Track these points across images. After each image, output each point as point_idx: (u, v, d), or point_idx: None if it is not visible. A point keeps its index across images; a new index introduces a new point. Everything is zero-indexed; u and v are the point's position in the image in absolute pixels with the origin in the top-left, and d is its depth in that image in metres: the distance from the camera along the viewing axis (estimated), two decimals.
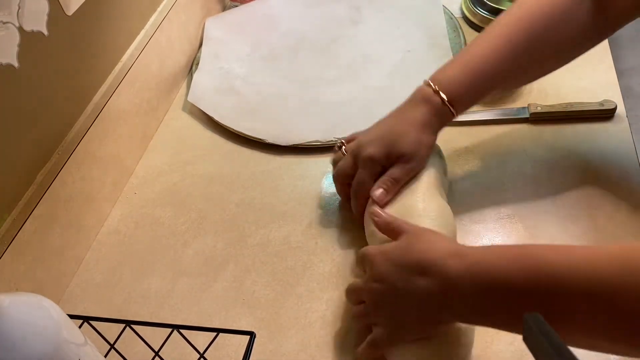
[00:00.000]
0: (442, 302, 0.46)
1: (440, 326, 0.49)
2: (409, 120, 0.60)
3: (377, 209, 0.57)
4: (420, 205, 0.57)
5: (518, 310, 0.40)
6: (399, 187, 0.60)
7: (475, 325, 0.49)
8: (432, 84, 0.59)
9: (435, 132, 0.61)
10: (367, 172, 0.60)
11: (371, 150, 0.60)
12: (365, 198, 0.61)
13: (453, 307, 0.46)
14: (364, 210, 0.62)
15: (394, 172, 0.59)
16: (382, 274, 0.50)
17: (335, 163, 0.66)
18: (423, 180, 0.60)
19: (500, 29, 0.59)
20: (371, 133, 0.62)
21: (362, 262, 0.54)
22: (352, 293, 0.55)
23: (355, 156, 0.62)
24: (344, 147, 0.66)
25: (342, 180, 0.64)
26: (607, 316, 0.38)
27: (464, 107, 0.61)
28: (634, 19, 0.59)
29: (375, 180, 0.60)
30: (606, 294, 0.38)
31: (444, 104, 0.59)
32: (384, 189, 0.59)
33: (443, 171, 0.64)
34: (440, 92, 0.58)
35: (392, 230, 0.54)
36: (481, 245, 0.61)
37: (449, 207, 0.58)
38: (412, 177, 0.60)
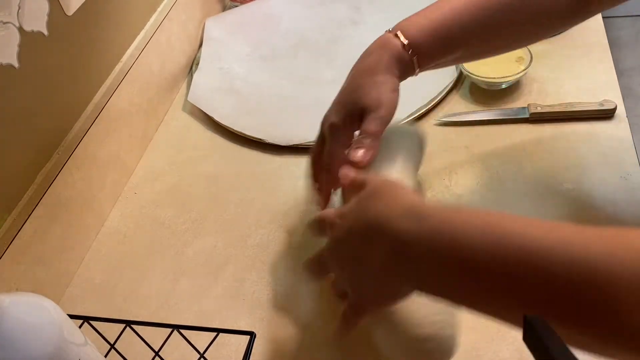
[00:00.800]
0: (395, 268, 0.40)
1: (400, 296, 0.42)
2: (362, 70, 0.56)
3: (346, 169, 0.52)
4: (395, 176, 0.54)
5: (482, 288, 0.35)
6: (378, 141, 0.53)
7: (446, 301, 0.41)
8: (398, 34, 0.55)
9: (395, 74, 0.55)
10: (333, 142, 0.55)
11: (332, 118, 0.56)
12: (337, 171, 0.53)
13: (407, 273, 0.39)
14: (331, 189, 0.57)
15: (367, 126, 0.53)
16: (340, 240, 0.45)
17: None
18: (398, 159, 0.57)
19: None
20: (334, 101, 0.58)
21: (320, 228, 0.49)
22: (316, 264, 0.50)
23: (322, 133, 0.57)
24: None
25: (315, 161, 0.59)
26: (589, 305, 0.31)
27: (426, 56, 0.55)
28: (610, 6, 0.56)
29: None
30: (590, 279, 0.31)
31: (403, 48, 0.54)
32: (363, 148, 0.53)
33: (416, 159, 0.61)
34: (399, 35, 0.54)
35: (357, 187, 0.47)
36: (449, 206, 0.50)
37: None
38: (384, 127, 0.54)
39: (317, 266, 0.50)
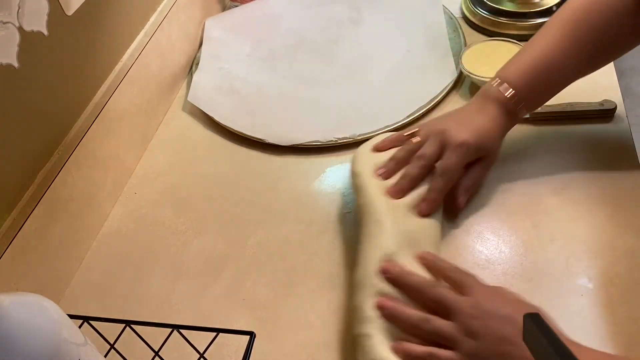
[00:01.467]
0: None
1: None
2: (491, 120, 0.60)
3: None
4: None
5: None
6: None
7: None
8: (505, 85, 0.59)
9: (504, 134, 0.62)
10: (459, 156, 0.58)
11: (465, 136, 0.58)
12: (449, 182, 0.59)
13: None
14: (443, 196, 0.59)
15: (479, 175, 0.61)
16: (476, 331, 0.46)
17: (409, 154, 0.61)
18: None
19: (560, 26, 0.59)
20: (455, 121, 0.61)
21: (435, 302, 0.49)
22: (435, 334, 0.48)
23: (443, 141, 0.59)
24: (414, 137, 0.62)
25: (429, 167, 0.59)
26: None
27: (535, 107, 0.61)
28: None
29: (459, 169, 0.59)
30: None
31: (517, 108, 0.59)
32: (466, 196, 0.61)
33: None
34: (515, 94, 0.58)
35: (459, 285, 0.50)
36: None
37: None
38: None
39: (436, 336, 0.48)
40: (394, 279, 0.51)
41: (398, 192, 0.59)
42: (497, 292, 0.49)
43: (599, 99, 0.71)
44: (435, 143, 0.59)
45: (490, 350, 0.45)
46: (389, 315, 0.49)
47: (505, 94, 0.59)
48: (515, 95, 0.59)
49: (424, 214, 0.58)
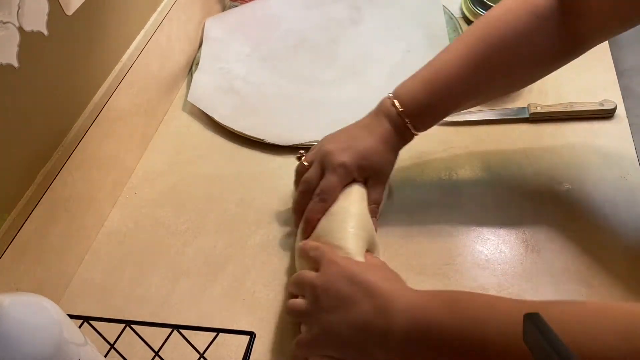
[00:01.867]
0: (379, 335, 0.46)
1: None
2: (376, 136, 0.59)
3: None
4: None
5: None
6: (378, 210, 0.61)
7: None
8: (395, 102, 0.58)
9: (396, 151, 0.61)
10: (337, 178, 0.58)
11: (344, 158, 0.58)
12: (326, 203, 0.59)
13: (387, 344, 0.45)
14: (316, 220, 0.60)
15: (374, 196, 0.60)
16: (332, 275, 0.50)
17: (299, 175, 0.64)
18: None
19: (461, 45, 0.58)
20: (337, 141, 0.61)
21: (313, 259, 0.55)
22: (296, 285, 0.55)
23: (323, 163, 0.60)
24: (303, 157, 0.64)
25: (308, 191, 0.61)
26: None
27: (426, 126, 0.60)
28: (603, 40, 0.57)
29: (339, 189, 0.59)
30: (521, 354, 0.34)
31: (404, 125, 0.58)
32: (374, 217, 0.60)
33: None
34: (401, 112, 0.58)
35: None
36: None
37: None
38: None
39: (296, 287, 0.55)
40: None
41: (296, 221, 0.63)
42: (338, 258, 0.53)
43: (599, 99, 0.71)
44: (316, 166, 0.61)
45: (339, 286, 0.49)
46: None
47: (395, 110, 0.59)
48: (405, 112, 0.58)
49: (305, 233, 0.60)
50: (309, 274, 0.53)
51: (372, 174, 0.60)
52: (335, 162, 0.58)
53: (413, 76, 0.60)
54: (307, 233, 0.59)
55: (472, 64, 0.56)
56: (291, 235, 0.67)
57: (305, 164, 0.63)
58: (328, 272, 0.51)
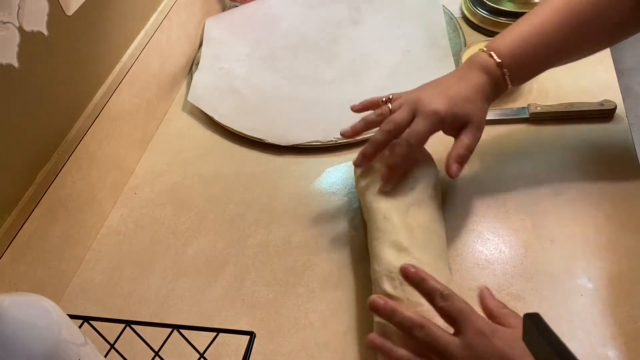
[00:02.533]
0: None
1: None
2: (472, 86, 0.59)
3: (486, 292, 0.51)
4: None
5: None
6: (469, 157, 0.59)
7: None
8: (493, 54, 0.58)
9: (490, 102, 0.60)
10: (427, 124, 0.57)
11: (438, 105, 0.57)
12: (412, 149, 0.58)
13: None
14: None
15: (467, 142, 0.58)
16: (480, 351, 0.44)
17: (381, 117, 0.61)
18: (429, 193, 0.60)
19: (553, 5, 0.58)
20: (431, 90, 0.60)
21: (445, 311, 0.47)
22: (419, 338, 0.47)
23: (415, 109, 0.58)
24: (390, 102, 0.62)
25: (395, 132, 0.58)
26: None
27: (521, 80, 0.60)
28: None
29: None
30: None
31: (503, 76, 0.58)
32: (459, 164, 0.58)
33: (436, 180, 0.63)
34: (501, 63, 0.58)
35: (495, 317, 0.47)
36: None
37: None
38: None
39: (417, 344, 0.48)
40: (386, 317, 0.49)
41: (363, 159, 0.61)
42: (491, 330, 0.45)
43: (599, 99, 0.71)
44: (407, 110, 0.59)
45: None
46: (379, 352, 0.50)
47: (491, 61, 0.59)
48: (502, 64, 0.58)
49: (385, 180, 0.59)
50: (445, 336, 0.46)
51: (466, 121, 0.59)
52: (429, 109, 0.57)
53: (509, 31, 0.60)
54: (390, 179, 0.58)
55: (567, 24, 0.57)
56: (291, 235, 0.67)
57: (390, 105, 0.61)
58: (474, 345, 0.44)
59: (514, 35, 0.59)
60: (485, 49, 0.60)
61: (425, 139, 0.59)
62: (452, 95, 0.58)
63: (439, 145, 0.63)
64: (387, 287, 0.52)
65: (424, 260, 0.53)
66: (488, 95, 0.60)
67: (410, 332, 0.47)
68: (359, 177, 0.64)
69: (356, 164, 0.63)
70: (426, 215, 0.58)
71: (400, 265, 0.52)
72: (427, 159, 0.64)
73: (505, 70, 0.58)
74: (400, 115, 0.59)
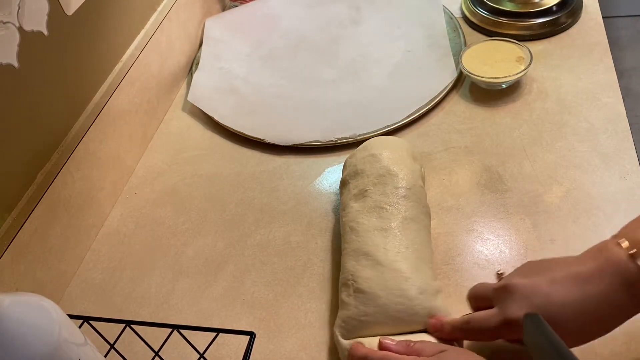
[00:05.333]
0: None
1: None
2: (615, 315, 0.42)
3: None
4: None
5: None
6: None
7: None
8: (616, 236, 0.43)
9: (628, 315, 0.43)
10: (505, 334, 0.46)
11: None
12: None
13: None
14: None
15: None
16: None
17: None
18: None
19: None
20: (569, 293, 0.43)
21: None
22: None
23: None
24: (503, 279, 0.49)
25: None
26: None
27: None
28: None
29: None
30: None
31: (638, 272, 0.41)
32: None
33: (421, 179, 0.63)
34: (634, 254, 0.41)
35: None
36: None
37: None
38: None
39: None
40: None
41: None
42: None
43: (599, 99, 0.71)
44: (516, 311, 0.44)
45: None
46: None
47: (631, 265, 0.41)
48: None
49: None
50: None
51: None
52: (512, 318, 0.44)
53: None
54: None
55: None
56: (291, 235, 0.67)
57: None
58: None
59: None
60: (623, 245, 0.42)
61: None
62: (580, 322, 0.42)
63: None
64: (343, 294, 0.54)
65: (384, 263, 0.53)
66: (625, 315, 0.42)
67: None
68: (342, 188, 0.65)
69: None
70: (396, 217, 0.57)
71: (355, 271, 0.54)
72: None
73: None
74: (502, 314, 0.45)
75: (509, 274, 0.48)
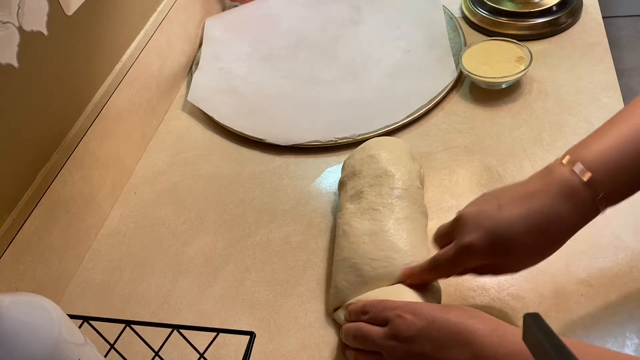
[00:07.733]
0: None
1: None
2: (560, 226, 0.45)
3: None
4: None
5: None
6: None
7: None
8: (580, 165, 0.43)
9: (572, 231, 0.46)
10: (460, 260, 0.49)
11: (473, 238, 0.46)
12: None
13: None
14: None
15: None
16: (410, 336, 0.45)
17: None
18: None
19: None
20: (515, 212, 0.45)
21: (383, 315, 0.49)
22: (363, 341, 0.50)
23: (492, 238, 0.46)
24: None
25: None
26: None
27: (615, 199, 0.45)
28: None
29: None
30: None
31: (593, 195, 0.43)
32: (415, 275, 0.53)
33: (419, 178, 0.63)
34: (576, 170, 0.44)
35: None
36: None
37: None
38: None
39: (363, 343, 0.50)
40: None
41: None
42: (411, 307, 0.48)
43: (599, 99, 0.71)
44: (481, 236, 0.48)
45: (420, 348, 0.45)
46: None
47: (580, 177, 0.43)
48: (595, 180, 0.43)
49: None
50: (375, 331, 0.48)
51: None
52: (465, 242, 0.47)
53: (597, 134, 0.46)
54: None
55: None
56: (291, 234, 0.67)
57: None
58: (401, 329, 0.46)
59: (605, 142, 0.44)
60: (567, 157, 0.45)
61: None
62: (537, 229, 0.45)
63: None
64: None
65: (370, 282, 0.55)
66: (572, 228, 0.46)
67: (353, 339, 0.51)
68: (340, 191, 0.65)
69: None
70: (389, 219, 0.57)
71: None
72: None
73: (598, 188, 0.43)
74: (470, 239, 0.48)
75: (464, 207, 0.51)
